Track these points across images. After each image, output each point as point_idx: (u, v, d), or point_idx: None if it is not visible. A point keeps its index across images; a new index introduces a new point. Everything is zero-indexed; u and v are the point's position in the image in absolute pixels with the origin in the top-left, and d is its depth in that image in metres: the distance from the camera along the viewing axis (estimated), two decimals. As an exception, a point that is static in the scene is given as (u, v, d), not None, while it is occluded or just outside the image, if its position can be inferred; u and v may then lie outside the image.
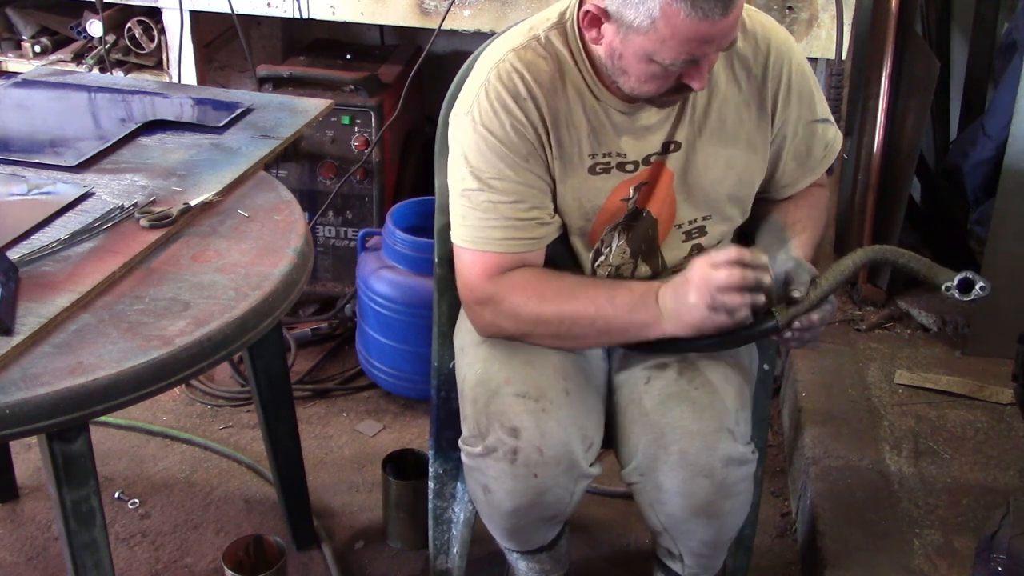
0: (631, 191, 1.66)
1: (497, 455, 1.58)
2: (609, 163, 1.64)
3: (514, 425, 1.58)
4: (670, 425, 1.61)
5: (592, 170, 1.64)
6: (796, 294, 1.53)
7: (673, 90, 1.54)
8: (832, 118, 1.76)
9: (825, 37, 2.42)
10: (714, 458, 1.58)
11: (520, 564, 1.83)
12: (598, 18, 1.50)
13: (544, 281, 1.63)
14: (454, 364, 1.85)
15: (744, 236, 1.82)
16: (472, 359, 1.70)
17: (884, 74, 2.74)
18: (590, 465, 1.62)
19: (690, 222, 1.71)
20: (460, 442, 1.65)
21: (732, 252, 1.49)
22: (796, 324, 1.54)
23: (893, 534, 2.04)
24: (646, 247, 1.71)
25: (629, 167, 1.65)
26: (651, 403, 1.64)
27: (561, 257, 1.71)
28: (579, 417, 1.63)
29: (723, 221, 1.73)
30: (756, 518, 1.92)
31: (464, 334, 1.77)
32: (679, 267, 1.73)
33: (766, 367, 1.85)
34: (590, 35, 1.55)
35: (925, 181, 3.00)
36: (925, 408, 2.42)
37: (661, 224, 1.69)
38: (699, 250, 1.72)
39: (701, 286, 1.50)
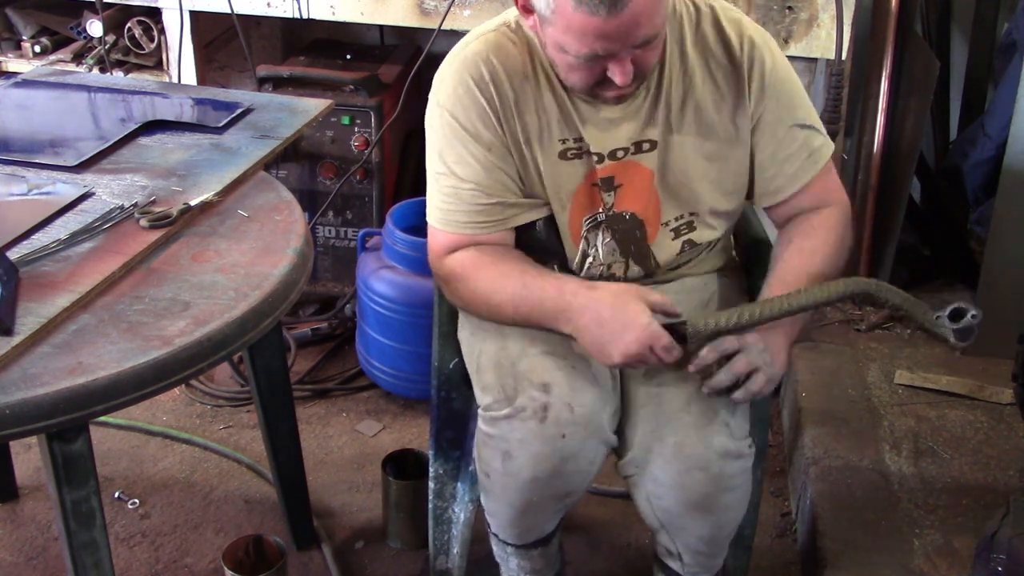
0: (599, 180, 1.66)
1: (526, 414, 1.57)
2: (580, 148, 1.65)
3: (545, 381, 1.58)
4: (665, 417, 1.61)
5: (563, 155, 1.65)
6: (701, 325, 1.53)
7: (601, 84, 1.53)
8: (821, 127, 1.71)
9: (825, 37, 2.42)
10: (710, 451, 1.58)
11: (511, 562, 1.83)
12: (526, 6, 1.53)
13: (480, 269, 1.64)
14: (454, 364, 1.85)
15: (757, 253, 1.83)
16: (487, 333, 1.72)
17: (884, 74, 2.74)
18: (612, 434, 1.63)
19: (676, 219, 1.70)
20: (481, 411, 1.65)
21: (660, 338, 1.50)
22: (704, 351, 1.53)
23: (893, 534, 2.04)
24: (636, 249, 1.70)
25: (595, 158, 1.65)
26: (647, 396, 1.65)
27: (552, 248, 1.71)
28: (605, 381, 1.64)
29: (712, 215, 1.71)
30: (756, 518, 1.92)
31: (473, 319, 1.77)
32: (672, 266, 1.74)
33: (766, 367, 1.85)
34: (527, 23, 1.57)
35: (925, 181, 3.00)
36: (925, 408, 2.42)
37: (648, 225, 1.69)
38: (691, 246, 1.72)
39: (639, 340, 1.51)
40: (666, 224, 1.70)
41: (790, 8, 2.41)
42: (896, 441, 2.31)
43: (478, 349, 1.73)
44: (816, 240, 1.68)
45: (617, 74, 1.49)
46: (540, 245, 1.71)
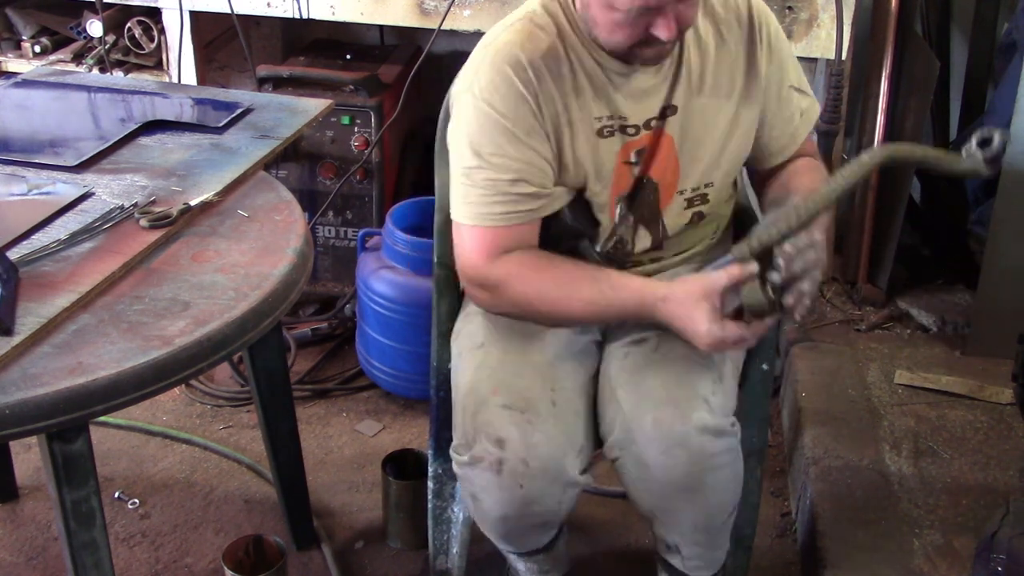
0: (633, 155, 1.66)
1: (483, 465, 1.58)
2: (613, 125, 1.65)
3: (500, 436, 1.58)
4: (644, 395, 1.61)
5: (600, 133, 1.65)
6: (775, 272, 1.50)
7: (644, 42, 1.54)
8: (808, 89, 1.78)
9: (825, 37, 2.42)
10: (688, 426, 1.57)
11: (519, 564, 1.83)
12: None
13: (542, 272, 1.63)
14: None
15: (740, 223, 1.83)
16: (464, 366, 1.71)
17: (884, 74, 2.74)
18: (581, 472, 1.62)
19: (693, 189, 1.71)
20: (451, 450, 1.66)
21: (740, 332, 1.51)
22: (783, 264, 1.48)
23: (893, 534, 2.04)
24: (648, 213, 1.71)
25: (631, 130, 1.65)
26: (626, 376, 1.65)
27: (579, 229, 1.71)
28: (567, 427, 1.63)
29: (725, 187, 1.75)
30: (756, 518, 1.92)
31: (462, 339, 1.77)
32: (679, 234, 1.75)
33: (765, 367, 1.84)
34: None
35: (925, 181, 3.00)
36: (925, 408, 2.42)
37: (663, 189, 1.70)
38: (699, 218, 1.74)
39: (710, 344, 1.54)
40: (681, 192, 1.71)
41: (790, 8, 2.41)
42: (896, 441, 2.31)
43: (456, 381, 1.73)
44: (820, 175, 1.75)
45: (663, 29, 1.50)
46: (568, 228, 1.71)
